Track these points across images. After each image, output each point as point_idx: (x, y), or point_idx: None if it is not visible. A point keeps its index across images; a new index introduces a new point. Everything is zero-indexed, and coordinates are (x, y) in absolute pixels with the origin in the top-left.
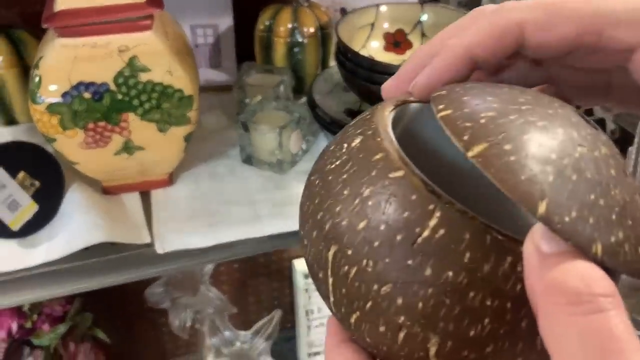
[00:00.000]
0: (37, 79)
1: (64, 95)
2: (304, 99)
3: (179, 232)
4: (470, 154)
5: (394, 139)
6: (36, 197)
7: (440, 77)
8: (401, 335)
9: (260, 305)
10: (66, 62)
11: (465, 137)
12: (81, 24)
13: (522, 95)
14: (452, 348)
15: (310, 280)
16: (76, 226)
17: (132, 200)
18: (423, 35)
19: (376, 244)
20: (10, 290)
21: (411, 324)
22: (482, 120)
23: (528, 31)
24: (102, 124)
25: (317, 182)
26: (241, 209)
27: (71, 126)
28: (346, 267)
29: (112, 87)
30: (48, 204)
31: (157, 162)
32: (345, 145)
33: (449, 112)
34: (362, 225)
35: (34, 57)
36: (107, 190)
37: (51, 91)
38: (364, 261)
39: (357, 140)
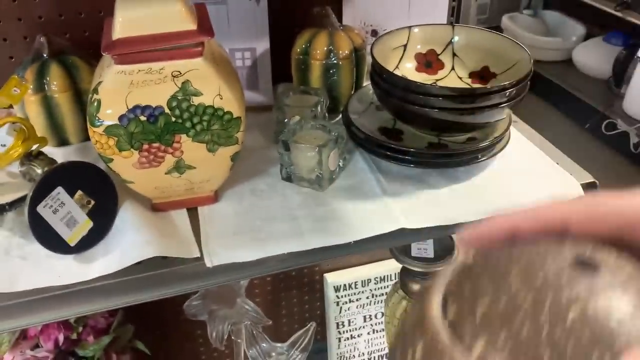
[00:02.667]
0: (95, 103)
1: (121, 118)
2: (339, 118)
3: (226, 247)
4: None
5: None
6: (91, 214)
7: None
8: None
9: (292, 318)
10: (123, 87)
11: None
12: (137, 51)
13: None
14: None
15: (340, 292)
16: (129, 242)
17: (180, 217)
18: (454, 55)
19: None
20: (68, 303)
21: None
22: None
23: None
24: (156, 145)
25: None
26: (284, 224)
27: (127, 147)
28: None
29: (166, 110)
30: (102, 221)
31: (205, 181)
32: (410, 353)
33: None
34: None
35: (85, 80)
36: (157, 207)
37: (109, 114)
38: None
39: (419, 349)
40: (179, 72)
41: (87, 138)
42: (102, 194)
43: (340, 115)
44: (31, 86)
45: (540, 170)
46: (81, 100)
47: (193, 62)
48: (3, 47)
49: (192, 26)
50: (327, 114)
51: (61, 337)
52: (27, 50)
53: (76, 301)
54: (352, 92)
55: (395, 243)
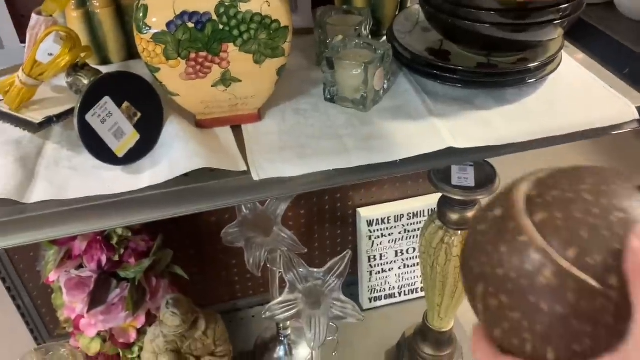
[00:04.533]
0: (142, 9)
1: (169, 24)
2: (383, 39)
3: (272, 162)
4: None
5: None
6: (138, 126)
7: None
8: (528, 347)
9: (324, 251)
10: None
11: None
12: None
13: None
14: (564, 357)
15: (373, 227)
16: (177, 154)
17: (225, 134)
18: None
19: (509, 285)
20: (118, 211)
21: (533, 340)
22: None
23: None
24: (203, 54)
25: (470, 232)
26: (328, 142)
27: (174, 56)
28: (491, 299)
29: (214, 16)
30: (149, 134)
31: (249, 96)
32: (489, 213)
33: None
34: (500, 271)
35: None
36: (201, 124)
37: (156, 21)
38: (502, 296)
39: (498, 210)
40: None
41: (128, 57)
42: (148, 107)
43: (384, 37)
44: (73, 1)
45: (593, 93)
46: (123, 17)
47: None
48: None
49: None
50: (370, 36)
51: (104, 258)
52: None
53: (125, 211)
54: (396, 14)
55: (442, 163)
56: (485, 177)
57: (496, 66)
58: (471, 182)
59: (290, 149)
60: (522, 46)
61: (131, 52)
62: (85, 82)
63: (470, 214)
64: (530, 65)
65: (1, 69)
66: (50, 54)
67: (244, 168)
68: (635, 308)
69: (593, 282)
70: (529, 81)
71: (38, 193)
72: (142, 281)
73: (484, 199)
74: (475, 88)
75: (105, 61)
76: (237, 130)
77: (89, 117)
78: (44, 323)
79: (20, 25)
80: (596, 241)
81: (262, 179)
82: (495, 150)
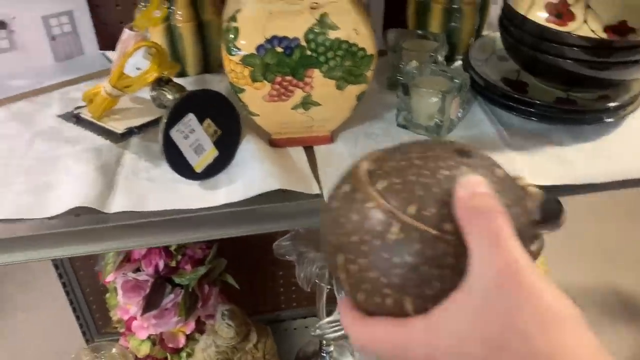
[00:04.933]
0: (233, 32)
1: (258, 48)
2: (457, 64)
3: None
4: None
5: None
6: (217, 143)
7: None
8: (389, 301)
9: None
10: (262, 16)
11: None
12: None
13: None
14: (420, 304)
15: None
16: (252, 173)
17: (298, 154)
18: (587, 7)
19: (364, 248)
20: (194, 226)
21: (392, 293)
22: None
23: None
24: (288, 78)
25: (324, 212)
26: None
27: (261, 79)
28: (351, 265)
29: (303, 42)
30: (226, 151)
31: (326, 119)
32: (339, 190)
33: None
34: (355, 238)
35: (208, 11)
36: (275, 143)
37: (246, 44)
38: (361, 260)
39: (347, 186)
40: (318, 4)
41: (203, 70)
42: (227, 124)
43: (457, 62)
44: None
45: None
46: (202, 31)
47: None
48: None
49: None
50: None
51: (161, 264)
52: None
53: (200, 227)
54: (472, 40)
55: None
56: (551, 211)
57: (575, 102)
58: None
59: None
60: (604, 84)
61: (207, 66)
62: (170, 97)
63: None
64: (611, 105)
65: (82, 75)
66: (138, 68)
67: (317, 191)
68: (469, 246)
69: (433, 231)
70: (609, 120)
71: (118, 203)
72: (195, 288)
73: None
74: (553, 123)
75: (181, 73)
76: (309, 151)
77: (172, 132)
78: (93, 320)
79: (101, 33)
80: (430, 197)
81: None
82: (572, 189)
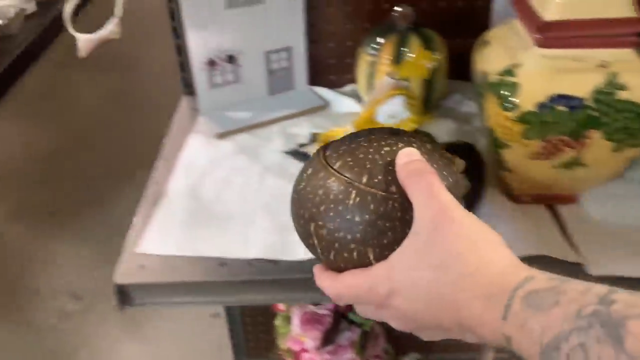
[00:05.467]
0: (510, 87)
1: (540, 106)
2: None
3: (606, 255)
4: None
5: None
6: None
7: None
8: (354, 254)
9: None
10: (546, 73)
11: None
12: (572, 36)
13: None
14: (379, 253)
15: None
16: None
17: (540, 212)
18: None
19: (331, 213)
20: None
21: (357, 246)
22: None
23: None
24: (564, 138)
25: (294, 195)
26: None
27: (533, 137)
28: (321, 230)
29: (588, 102)
30: (470, 205)
31: (587, 179)
32: (303, 174)
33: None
34: (322, 207)
35: (438, 54)
36: (517, 199)
37: (526, 100)
38: (329, 224)
39: (309, 170)
40: (607, 62)
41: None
42: (474, 179)
43: None
44: (387, 56)
45: None
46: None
47: (623, 52)
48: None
49: (633, 13)
50: None
51: None
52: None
53: None
54: None
55: None
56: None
57: None
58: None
59: (624, 243)
60: None
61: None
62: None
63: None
64: None
65: (296, 111)
66: (393, 117)
67: (574, 259)
68: (411, 199)
69: (382, 193)
70: None
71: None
72: (370, 330)
73: None
74: None
75: None
76: (552, 210)
77: None
78: (246, 340)
79: (310, 68)
80: (376, 168)
81: (598, 275)
82: None
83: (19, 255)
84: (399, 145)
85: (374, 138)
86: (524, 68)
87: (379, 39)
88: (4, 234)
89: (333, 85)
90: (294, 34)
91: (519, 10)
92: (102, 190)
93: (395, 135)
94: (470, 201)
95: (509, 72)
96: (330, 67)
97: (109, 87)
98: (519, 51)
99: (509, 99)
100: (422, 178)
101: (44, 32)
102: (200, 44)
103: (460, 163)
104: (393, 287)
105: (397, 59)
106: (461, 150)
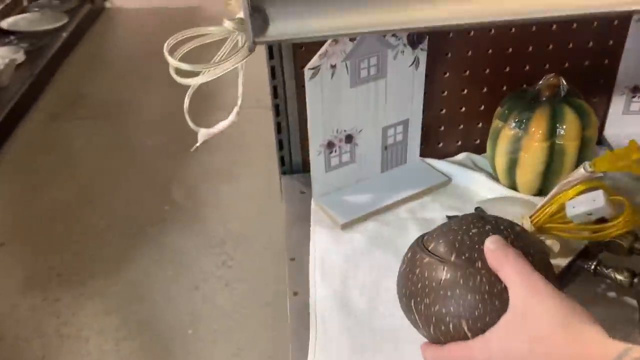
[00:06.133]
0: None
1: None
2: None
3: None
4: None
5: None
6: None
7: None
8: (451, 327)
9: None
10: None
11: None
12: None
13: None
14: (472, 324)
15: None
16: None
17: None
18: None
19: (427, 290)
20: None
21: (451, 319)
22: None
23: None
24: None
25: (398, 277)
26: None
27: None
28: (419, 306)
29: None
30: (560, 281)
31: None
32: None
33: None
34: (419, 285)
35: (592, 128)
36: None
37: None
38: (426, 299)
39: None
40: None
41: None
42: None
43: None
44: (540, 131)
45: None
46: (582, 150)
47: None
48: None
49: None
50: None
51: None
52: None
53: None
54: None
55: None
56: None
57: None
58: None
59: None
60: None
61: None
62: None
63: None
64: None
65: (419, 191)
66: (590, 214)
67: None
68: (506, 283)
69: (470, 269)
70: None
71: None
72: None
73: None
74: None
75: (513, 186)
76: None
77: None
78: None
79: (422, 138)
80: (464, 246)
81: None
82: None
83: (36, 331)
84: (486, 228)
85: (464, 222)
86: None
87: (524, 112)
88: (19, 305)
89: (443, 154)
90: (413, 105)
91: None
92: (113, 250)
93: (483, 219)
94: (562, 279)
95: None
96: (439, 134)
97: (105, 136)
98: None
99: None
100: (510, 261)
101: (34, 81)
102: (320, 125)
103: (554, 244)
104: (490, 357)
105: (550, 135)
106: None
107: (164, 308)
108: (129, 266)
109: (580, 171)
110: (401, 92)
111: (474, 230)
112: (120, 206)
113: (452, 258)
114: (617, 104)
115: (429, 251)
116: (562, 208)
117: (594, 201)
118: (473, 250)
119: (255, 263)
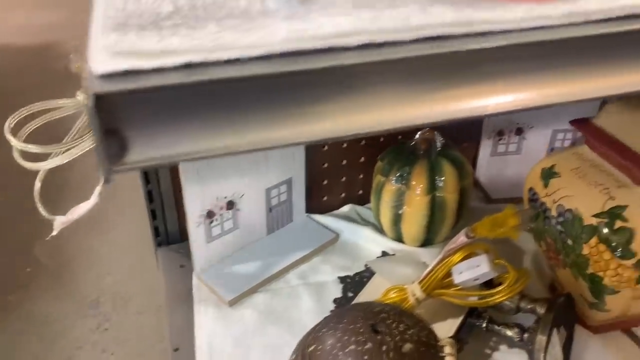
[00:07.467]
0: (626, 234)
1: None
2: None
3: None
4: None
5: None
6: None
7: None
8: None
9: None
10: None
11: None
12: None
13: None
14: None
15: None
16: None
17: (619, 339)
18: None
19: None
20: None
21: None
22: None
23: None
24: None
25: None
26: None
27: None
28: None
29: None
30: (566, 350)
31: None
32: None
33: None
34: None
35: (467, 178)
36: (596, 329)
37: None
38: None
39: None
40: None
41: (447, 238)
42: (568, 325)
43: None
44: (421, 185)
45: None
46: (461, 199)
47: None
48: None
49: None
50: None
51: None
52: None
53: None
54: None
55: None
56: None
57: None
58: None
59: None
60: None
61: (429, 237)
62: (539, 311)
63: None
64: None
65: (305, 253)
66: (476, 279)
67: None
68: None
69: None
70: None
71: None
72: None
73: None
74: None
75: (426, 243)
76: (628, 334)
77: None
78: None
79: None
80: None
81: None
82: None
83: None
84: (366, 346)
85: (350, 329)
86: (632, 210)
87: (404, 167)
88: None
89: (329, 207)
90: (295, 163)
91: (603, 144)
92: None
93: (375, 330)
94: (567, 347)
95: (618, 215)
96: (322, 188)
97: None
98: (613, 189)
99: (627, 247)
100: None
101: None
102: (197, 194)
103: (448, 343)
104: None
105: (431, 189)
106: (563, 303)
107: None
108: None
109: (462, 238)
110: (283, 151)
111: (351, 347)
112: None
113: None
114: (485, 148)
115: (308, 353)
116: (449, 273)
117: (478, 267)
118: None
119: (135, 322)
